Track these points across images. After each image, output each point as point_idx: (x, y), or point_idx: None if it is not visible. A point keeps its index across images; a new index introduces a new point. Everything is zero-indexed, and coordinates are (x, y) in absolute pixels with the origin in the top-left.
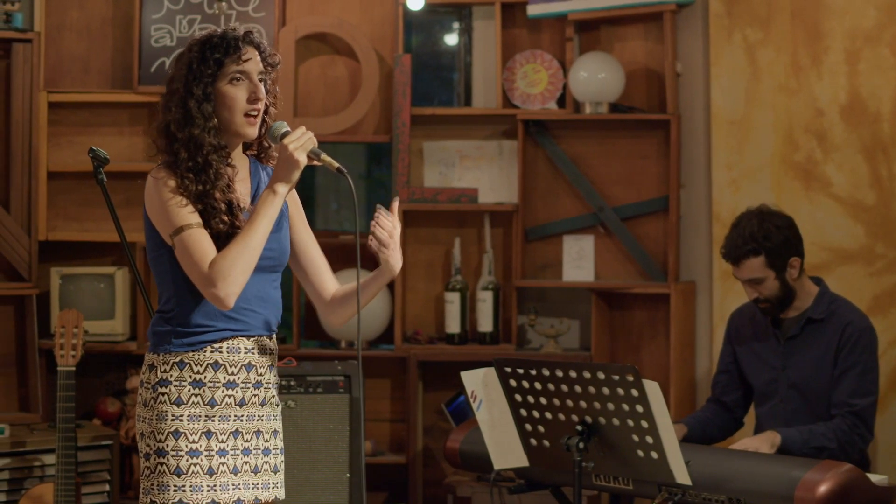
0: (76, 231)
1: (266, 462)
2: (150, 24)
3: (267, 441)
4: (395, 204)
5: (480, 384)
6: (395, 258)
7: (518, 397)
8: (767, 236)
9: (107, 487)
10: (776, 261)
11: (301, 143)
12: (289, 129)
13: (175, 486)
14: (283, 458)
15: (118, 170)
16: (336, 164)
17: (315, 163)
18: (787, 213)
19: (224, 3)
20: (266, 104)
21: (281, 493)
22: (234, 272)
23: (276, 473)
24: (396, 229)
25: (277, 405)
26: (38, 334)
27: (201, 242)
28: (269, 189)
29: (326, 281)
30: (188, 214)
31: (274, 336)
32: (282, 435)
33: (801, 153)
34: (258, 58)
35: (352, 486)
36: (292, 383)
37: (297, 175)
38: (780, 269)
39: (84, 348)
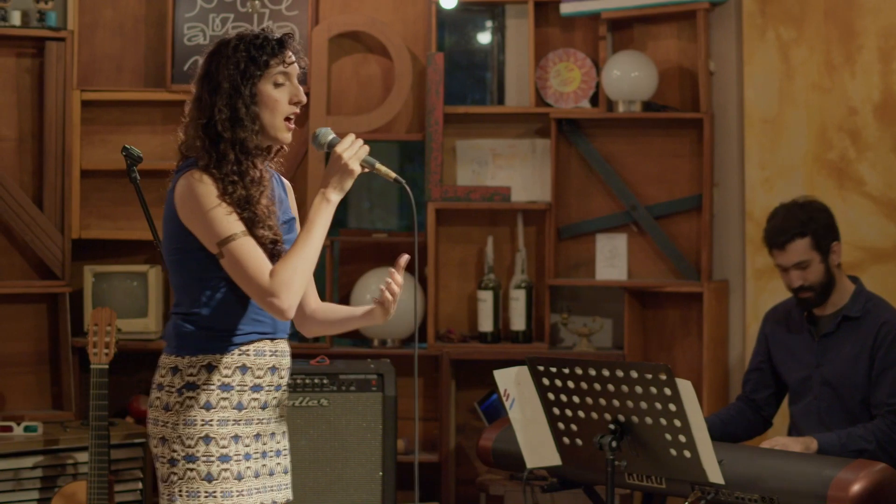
0: (109, 229)
1: (278, 464)
2: (184, 22)
3: (278, 442)
4: (403, 261)
5: (513, 383)
6: (390, 313)
7: (551, 396)
8: (813, 218)
9: (140, 485)
10: (821, 242)
11: (354, 151)
12: (335, 135)
13: (206, 491)
14: (290, 458)
15: (151, 168)
16: (393, 174)
17: (365, 170)
18: None
19: (257, 2)
20: None
21: (290, 494)
22: (295, 283)
23: (286, 474)
24: (400, 289)
25: (286, 406)
26: (72, 332)
27: (255, 253)
28: (323, 198)
29: (309, 293)
30: (234, 223)
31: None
32: (289, 435)
33: (835, 152)
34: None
35: (384, 485)
36: (325, 381)
37: (350, 184)
38: (825, 252)
39: (117, 346)
